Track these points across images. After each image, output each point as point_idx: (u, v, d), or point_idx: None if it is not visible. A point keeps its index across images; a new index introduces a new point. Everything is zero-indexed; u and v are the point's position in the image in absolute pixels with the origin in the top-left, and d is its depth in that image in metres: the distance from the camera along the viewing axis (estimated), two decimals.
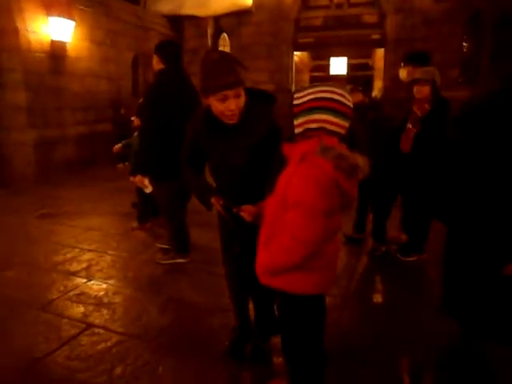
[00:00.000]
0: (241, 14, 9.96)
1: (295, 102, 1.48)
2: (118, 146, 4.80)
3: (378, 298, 3.12)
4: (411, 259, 3.62)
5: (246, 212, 1.74)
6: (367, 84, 11.00)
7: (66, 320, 2.68)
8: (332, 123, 1.45)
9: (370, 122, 3.60)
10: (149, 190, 3.56)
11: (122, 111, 8.44)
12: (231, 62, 1.73)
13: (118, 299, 2.97)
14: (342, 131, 1.49)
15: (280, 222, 1.50)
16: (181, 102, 3.14)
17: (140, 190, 4.09)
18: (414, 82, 3.40)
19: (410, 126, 3.42)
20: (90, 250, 3.90)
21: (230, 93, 1.71)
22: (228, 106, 1.74)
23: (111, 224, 4.74)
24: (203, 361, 2.25)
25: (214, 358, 2.26)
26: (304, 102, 1.46)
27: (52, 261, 3.64)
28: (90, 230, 4.49)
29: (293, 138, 1.52)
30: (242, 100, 1.77)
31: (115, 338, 2.46)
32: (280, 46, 9.99)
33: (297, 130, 1.49)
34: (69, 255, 3.78)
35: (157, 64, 3.33)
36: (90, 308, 2.82)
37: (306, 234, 1.43)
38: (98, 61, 8.27)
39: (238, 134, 1.84)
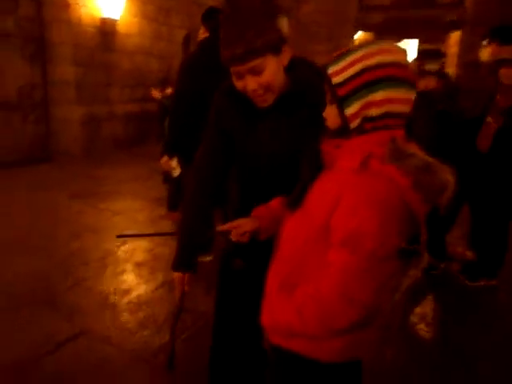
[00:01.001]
0: None
1: (336, 81, 0.93)
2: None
3: (432, 332, 2.52)
4: (479, 284, 2.95)
5: (235, 229, 1.17)
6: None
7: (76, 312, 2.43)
8: (398, 100, 0.92)
9: (439, 114, 2.93)
10: (176, 172, 3.17)
11: (169, 91, 8.05)
12: (249, 18, 1.13)
13: (128, 296, 2.64)
14: (408, 109, 0.95)
15: (314, 259, 0.98)
16: (218, 78, 2.66)
17: (167, 175, 3.75)
18: (501, 63, 2.69)
19: (490, 119, 2.73)
20: (110, 237, 3.64)
21: (240, 68, 1.16)
22: (245, 85, 1.20)
23: (141, 209, 4.47)
24: None
25: None
26: (353, 77, 0.92)
27: (70, 247, 3.42)
28: (118, 215, 4.25)
29: (339, 132, 0.99)
30: (270, 75, 1.18)
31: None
32: (342, 27, 9.20)
33: (352, 124, 0.94)
34: (89, 242, 3.54)
35: (202, 34, 2.88)
36: (99, 301, 2.53)
37: (365, 293, 0.90)
38: (148, 38, 8.05)
39: (278, 121, 1.28)
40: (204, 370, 1.58)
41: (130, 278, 2.92)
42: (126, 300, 2.64)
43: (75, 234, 3.69)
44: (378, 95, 0.89)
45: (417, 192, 0.87)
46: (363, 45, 0.95)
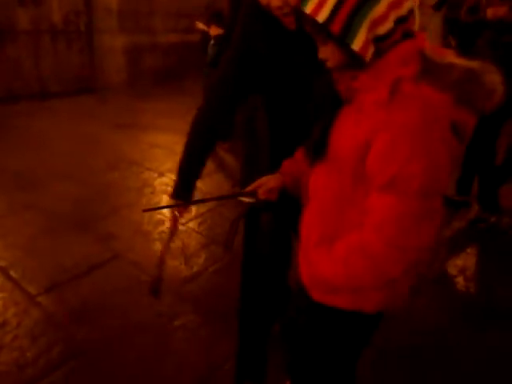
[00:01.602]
0: None
1: (322, 18, 0.74)
2: None
3: (471, 288, 2.37)
4: None
5: (261, 187, 1.10)
6: None
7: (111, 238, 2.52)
8: None
9: (506, 47, 2.54)
10: None
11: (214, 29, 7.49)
12: None
13: (161, 226, 2.68)
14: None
15: (352, 208, 0.86)
16: None
17: None
18: None
19: None
20: (148, 169, 3.66)
21: None
22: (270, 1, 1.04)
23: (179, 143, 4.43)
24: None
25: None
26: (339, 3, 0.73)
27: (108, 177, 3.47)
28: (156, 148, 4.25)
29: (348, 66, 0.80)
30: None
31: None
32: None
33: (367, 56, 0.76)
34: (126, 172, 3.58)
35: None
36: (132, 229, 2.59)
37: (417, 238, 0.78)
38: None
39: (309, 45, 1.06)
40: (230, 301, 1.57)
41: (163, 210, 2.94)
42: (158, 230, 2.67)
43: (114, 164, 3.74)
44: (381, 6, 0.72)
45: (461, 106, 0.76)
46: None
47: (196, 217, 2.87)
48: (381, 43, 0.76)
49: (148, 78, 7.20)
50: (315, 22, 0.75)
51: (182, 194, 1.33)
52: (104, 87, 6.67)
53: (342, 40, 0.74)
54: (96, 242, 2.49)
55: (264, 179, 1.11)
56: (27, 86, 5.98)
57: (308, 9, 0.75)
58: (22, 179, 3.32)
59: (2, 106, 5.41)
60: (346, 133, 0.83)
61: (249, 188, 1.12)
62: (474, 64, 0.77)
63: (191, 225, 2.76)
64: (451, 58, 0.78)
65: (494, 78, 0.77)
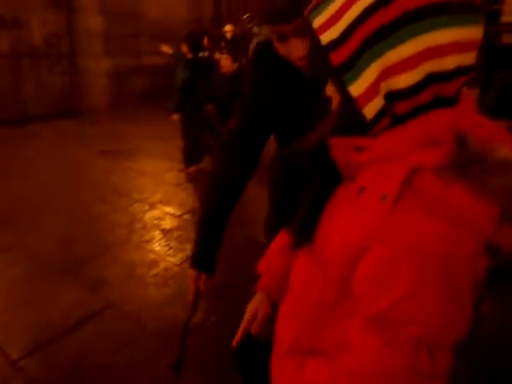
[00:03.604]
0: None
1: (327, 38, 0.53)
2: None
3: None
4: None
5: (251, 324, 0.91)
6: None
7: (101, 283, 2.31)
8: (449, 47, 0.49)
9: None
10: None
11: (206, 41, 7.09)
12: None
13: (156, 268, 2.49)
14: (471, 59, 0.51)
15: (331, 323, 0.65)
16: None
17: (187, 132, 3.93)
18: None
19: None
20: (137, 201, 3.48)
21: (286, 28, 0.86)
22: (291, 50, 0.91)
23: (168, 170, 4.27)
24: None
25: None
26: (353, 26, 0.51)
27: (96, 210, 3.27)
28: (145, 176, 4.07)
29: (356, 125, 0.57)
30: None
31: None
32: None
33: (368, 112, 0.53)
34: (115, 205, 3.38)
35: None
36: (125, 273, 2.39)
37: None
38: None
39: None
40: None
41: (157, 248, 2.76)
42: (152, 272, 2.48)
43: (101, 196, 3.54)
44: (408, 47, 0.48)
45: (506, 225, 0.47)
46: None
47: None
48: (398, 102, 0.52)
49: (134, 101, 7.05)
50: (318, 43, 0.54)
51: (204, 263, 1.15)
52: (88, 110, 6.48)
53: (339, 75, 0.53)
54: (85, 289, 2.28)
55: (250, 311, 0.92)
56: (8, 111, 5.76)
57: (316, 22, 0.54)
58: (1, 215, 3.10)
59: None
60: (340, 223, 0.61)
61: (238, 334, 0.92)
62: None
63: (187, 266, 2.57)
64: (505, 151, 0.49)
65: None
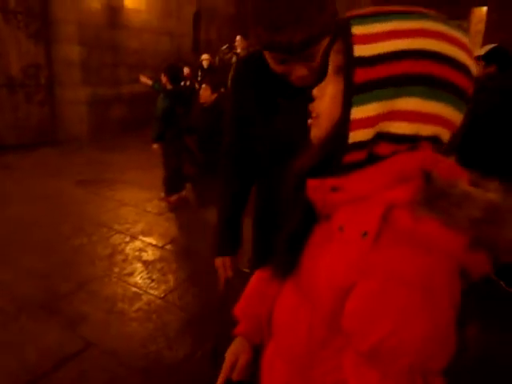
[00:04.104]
0: None
1: (363, 52, 0.54)
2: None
3: None
4: None
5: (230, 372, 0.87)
6: None
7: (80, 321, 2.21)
8: (436, 119, 0.55)
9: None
10: None
11: (186, 71, 6.77)
12: None
13: (138, 302, 2.43)
14: (448, 136, 0.58)
15: (322, 361, 0.65)
16: None
17: (168, 161, 4.00)
18: None
19: None
20: (118, 232, 3.42)
21: (291, 58, 0.90)
22: (290, 71, 0.94)
23: (150, 200, 4.24)
24: None
25: None
26: (389, 57, 0.53)
27: (74, 243, 3.20)
28: (126, 206, 4.03)
29: (329, 149, 0.60)
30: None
31: None
32: None
33: (355, 135, 0.55)
34: (94, 237, 3.32)
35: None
36: (105, 308, 2.32)
37: None
38: (157, 15, 7.67)
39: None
40: None
41: (139, 281, 2.71)
42: (135, 307, 2.42)
43: (80, 227, 3.47)
44: (411, 102, 0.54)
45: (476, 251, 0.52)
46: (415, 12, 0.55)
47: (175, 287, 2.65)
48: (382, 144, 0.56)
49: (113, 130, 7.02)
50: (351, 46, 0.54)
51: (226, 249, 1.29)
52: (67, 140, 6.42)
53: (351, 94, 0.54)
54: (64, 327, 2.21)
55: (232, 357, 0.87)
56: None
57: (357, 30, 0.54)
58: None
59: None
60: (324, 261, 0.61)
61: (220, 381, 0.86)
62: (495, 197, 0.52)
63: (170, 298, 2.54)
64: (464, 185, 0.53)
65: None
